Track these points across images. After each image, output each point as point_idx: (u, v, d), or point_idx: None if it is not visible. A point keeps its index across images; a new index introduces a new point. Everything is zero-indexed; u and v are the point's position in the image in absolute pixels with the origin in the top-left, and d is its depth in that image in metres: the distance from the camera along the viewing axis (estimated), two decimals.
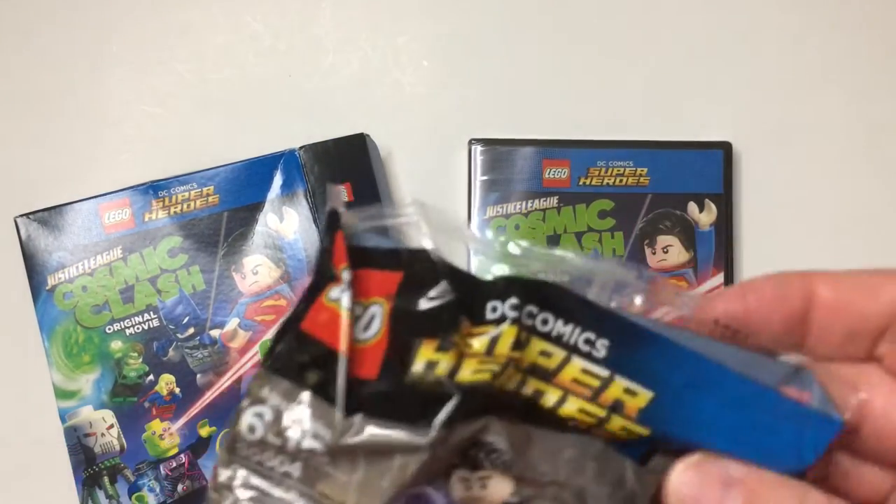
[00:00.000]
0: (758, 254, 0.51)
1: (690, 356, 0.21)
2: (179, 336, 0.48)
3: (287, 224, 0.49)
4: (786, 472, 0.21)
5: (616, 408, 0.21)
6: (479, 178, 0.50)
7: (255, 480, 0.20)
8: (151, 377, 0.48)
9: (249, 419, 0.20)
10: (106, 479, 0.47)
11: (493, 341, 0.21)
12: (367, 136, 0.50)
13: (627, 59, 0.53)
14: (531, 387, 0.21)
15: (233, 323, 0.48)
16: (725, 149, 0.51)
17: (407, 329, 0.21)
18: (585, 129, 0.52)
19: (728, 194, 0.50)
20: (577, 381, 0.21)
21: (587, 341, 0.21)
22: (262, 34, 0.54)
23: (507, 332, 0.21)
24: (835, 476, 0.24)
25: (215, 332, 0.48)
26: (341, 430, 0.20)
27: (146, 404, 0.48)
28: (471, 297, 0.21)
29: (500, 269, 0.22)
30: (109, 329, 0.48)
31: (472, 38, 0.54)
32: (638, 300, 0.22)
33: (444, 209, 0.22)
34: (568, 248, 0.22)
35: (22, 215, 0.48)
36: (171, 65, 0.54)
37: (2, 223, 0.50)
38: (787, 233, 0.52)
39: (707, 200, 0.50)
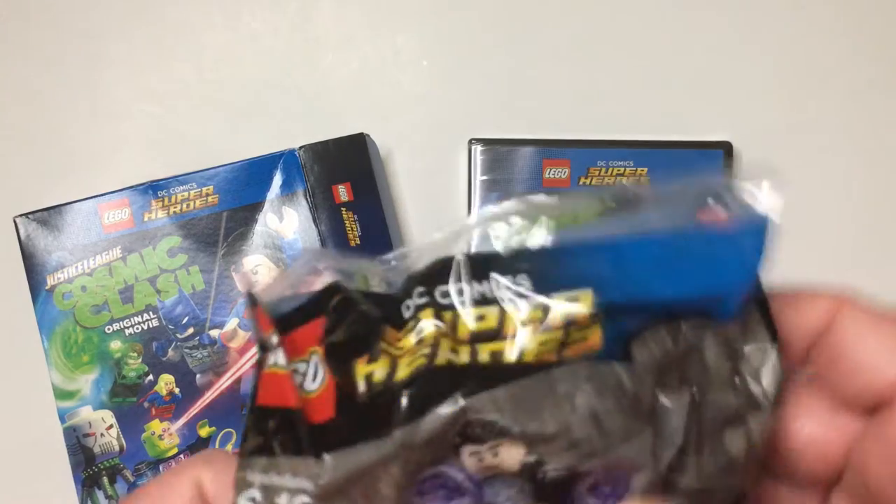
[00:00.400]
0: None
1: (601, 244, 0.21)
2: (179, 336, 0.48)
3: (287, 224, 0.49)
4: (742, 291, 0.21)
5: (570, 322, 0.21)
6: (479, 177, 0.50)
7: None
8: (151, 377, 0.48)
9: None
10: (105, 480, 0.47)
11: (418, 332, 0.21)
12: (367, 135, 0.50)
13: (628, 59, 0.53)
14: (486, 352, 0.21)
15: (232, 323, 0.48)
16: (726, 149, 0.51)
17: (341, 360, 0.21)
18: (585, 129, 0.52)
19: None
20: (523, 321, 0.21)
21: (508, 285, 0.21)
22: (262, 33, 0.54)
23: (425, 316, 0.21)
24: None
25: (215, 332, 0.48)
26: (318, 474, 0.20)
27: (145, 404, 0.48)
28: (388, 310, 0.21)
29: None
30: (109, 329, 0.48)
31: (472, 37, 0.54)
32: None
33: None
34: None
35: (21, 215, 0.48)
36: (170, 64, 0.54)
37: (1, 223, 0.50)
38: (788, 233, 0.52)
39: None
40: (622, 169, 0.50)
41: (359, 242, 0.48)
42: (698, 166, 0.50)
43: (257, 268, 0.48)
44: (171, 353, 0.48)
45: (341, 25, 0.54)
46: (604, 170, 0.50)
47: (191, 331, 0.48)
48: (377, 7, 0.54)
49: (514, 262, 0.21)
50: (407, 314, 0.21)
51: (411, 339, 0.21)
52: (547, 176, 0.50)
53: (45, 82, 0.54)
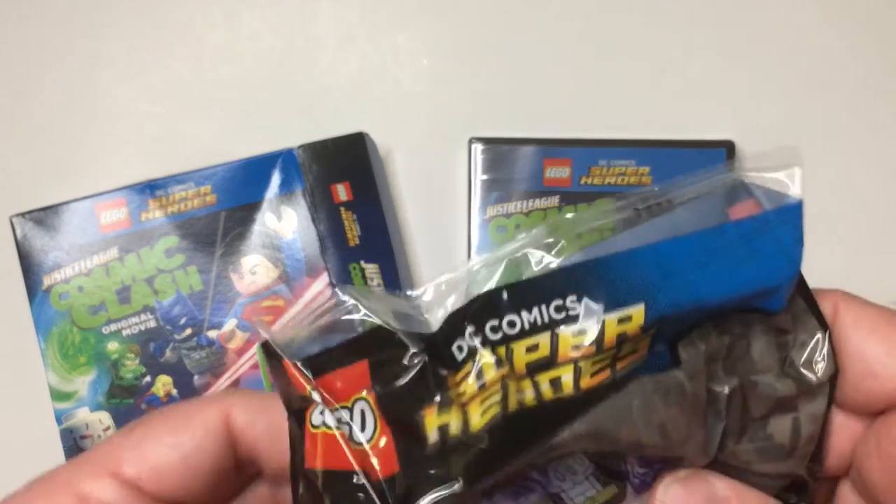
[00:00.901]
0: None
1: (643, 252, 0.20)
2: (176, 337, 0.48)
3: (285, 223, 0.48)
4: (789, 280, 0.21)
5: (622, 339, 0.20)
6: (479, 177, 0.50)
7: None
8: (148, 378, 0.47)
9: None
10: None
11: (479, 374, 0.20)
12: (367, 134, 0.49)
13: (629, 58, 0.53)
14: (545, 382, 0.20)
15: (231, 324, 0.48)
16: (728, 147, 0.50)
17: (402, 409, 0.20)
18: (587, 128, 0.51)
19: None
20: (576, 345, 0.20)
21: (557, 308, 0.20)
22: (261, 32, 0.54)
23: (484, 357, 0.20)
24: None
25: (213, 333, 0.48)
26: None
27: (143, 406, 0.47)
28: (436, 351, 0.20)
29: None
30: (106, 330, 0.48)
31: (472, 35, 0.53)
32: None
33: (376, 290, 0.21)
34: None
35: (17, 215, 0.48)
36: (168, 63, 0.54)
37: None
38: None
39: None
40: (624, 168, 0.50)
41: (358, 242, 0.48)
42: (700, 165, 0.50)
43: (255, 268, 0.48)
44: (168, 354, 0.48)
45: (341, 24, 0.53)
46: (605, 169, 0.50)
47: (188, 332, 0.48)
48: (377, 6, 0.53)
49: (557, 283, 0.20)
50: (460, 356, 0.20)
51: (472, 383, 0.20)
52: (548, 175, 0.50)
53: (42, 81, 0.54)
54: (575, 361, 0.20)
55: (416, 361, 0.20)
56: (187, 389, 0.47)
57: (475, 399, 0.20)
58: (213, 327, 0.48)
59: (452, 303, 0.21)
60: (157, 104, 0.53)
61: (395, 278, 0.48)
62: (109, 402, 0.47)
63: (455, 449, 0.20)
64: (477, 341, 0.20)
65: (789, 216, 0.21)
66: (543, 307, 0.20)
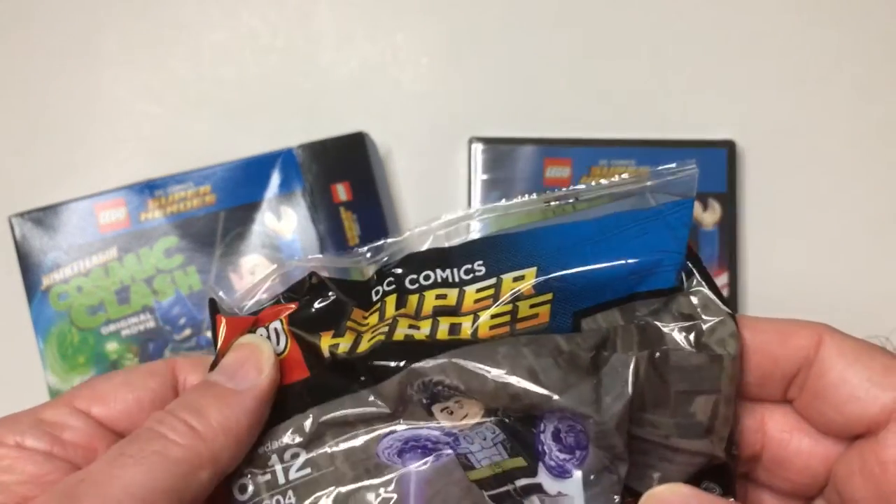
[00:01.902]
0: (762, 253, 0.51)
1: (543, 230, 0.25)
2: (176, 337, 0.48)
3: (285, 223, 0.48)
4: (677, 256, 0.24)
5: (517, 296, 0.24)
6: (479, 176, 0.50)
7: None
8: None
9: (238, 485, 0.24)
10: None
11: (381, 310, 0.25)
12: (366, 134, 0.49)
13: (630, 58, 0.53)
14: (446, 324, 0.24)
15: None
16: (729, 147, 0.50)
17: (305, 330, 0.25)
18: (587, 128, 0.51)
19: (732, 193, 0.50)
20: (478, 299, 0.25)
21: (467, 271, 0.25)
22: (260, 31, 0.53)
23: (389, 301, 0.25)
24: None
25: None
26: (303, 424, 0.24)
27: None
28: (359, 295, 0.26)
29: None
30: (105, 330, 0.47)
31: (472, 35, 0.53)
32: None
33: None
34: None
35: (16, 215, 0.48)
36: (167, 62, 0.53)
37: None
38: (791, 232, 0.51)
39: (711, 200, 0.50)
40: (624, 168, 0.50)
41: (358, 242, 0.48)
42: (701, 165, 0.50)
43: (255, 268, 0.48)
44: (167, 354, 0.47)
45: (340, 23, 0.53)
46: (606, 168, 0.50)
47: (188, 332, 0.48)
48: (377, 5, 0.53)
49: (471, 252, 0.25)
50: (375, 298, 0.25)
51: (373, 320, 0.25)
52: (548, 175, 0.50)
53: (41, 81, 0.54)
54: (475, 312, 0.24)
55: (329, 296, 0.25)
56: None
57: (370, 330, 0.25)
58: None
59: (385, 261, 0.26)
60: (157, 104, 0.53)
61: None
62: None
63: (342, 365, 0.24)
64: (390, 288, 0.25)
65: (681, 207, 0.24)
66: (455, 270, 0.25)
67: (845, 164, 0.51)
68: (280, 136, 0.50)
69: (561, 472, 0.23)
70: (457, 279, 0.25)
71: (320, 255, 0.27)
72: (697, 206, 0.50)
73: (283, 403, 0.24)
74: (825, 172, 0.52)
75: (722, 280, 0.49)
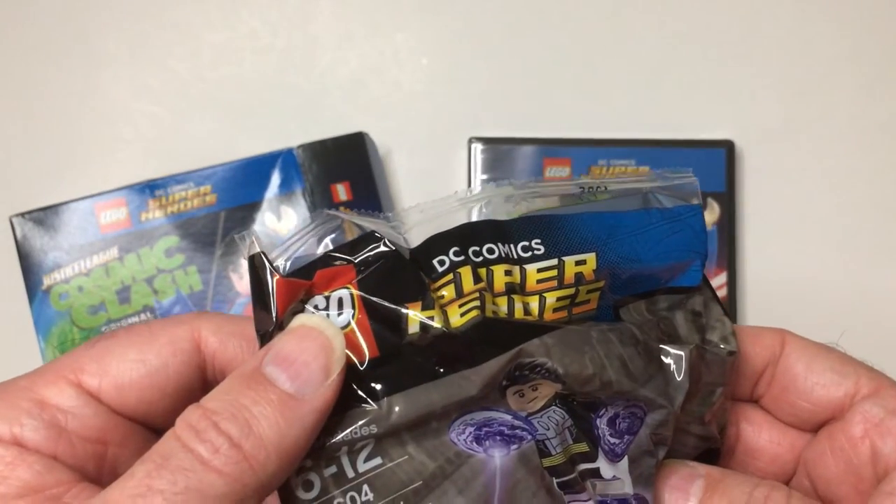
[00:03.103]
0: (761, 253, 0.51)
1: (590, 217, 0.25)
2: None
3: (285, 223, 0.48)
4: (701, 258, 0.25)
5: (579, 279, 0.24)
6: (479, 176, 0.50)
7: None
8: None
9: (301, 482, 0.21)
10: None
11: (458, 284, 0.23)
12: (366, 134, 0.49)
13: (629, 57, 0.53)
14: (520, 303, 0.23)
15: None
16: (728, 147, 0.50)
17: (383, 299, 0.22)
18: (586, 128, 0.51)
19: (731, 193, 0.50)
20: (540, 279, 0.24)
21: (524, 248, 0.24)
22: (260, 32, 0.54)
23: (464, 272, 0.23)
24: None
25: None
26: (383, 415, 0.21)
27: None
28: (416, 261, 0.23)
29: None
30: (105, 330, 0.47)
31: (472, 35, 0.53)
32: None
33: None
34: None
35: (17, 215, 0.48)
36: (167, 63, 0.53)
37: None
38: (790, 232, 0.51)
39: (709, 199, 0.50)
40: (624, 168, 0.50)
41: None
42: (700, 165, 0.50)
43: None
44: None
45: (340, 23, 0.53)
46: (605, 168, 0.50)
47: None
48: (377, 5, 0.53)
49: (526, 230, 0.24)
50: (441, 269, 0.23)
51: (451, 289, 0.23)
52: (548, 175, 0.50)
53: (41, 81, 0.54)
54: (540, 293, 0.24)
55: (402, 261, 0.23)
56: None
57: (453, 303, 0.23)
58: None
59: (423, 230, 0.24)
60: (157, 104, 0.53)
61: None
62: None
63: (438, 341, 0.22)
64: (459, 259, 0.23)
65: (695, 212, 0.25)
66: (512, 245, 0.24)
67: (844, 164, 0.52)
68: (280, 136, 0.50)
69: (615, 456, 0.24)
70: (515, 255, 0.24)
71: (360, 213, 0.24)
72: None
73: (345, 387, 0.21)
74: (824, 172, 0.52)
75: (720, 279, 0.49)
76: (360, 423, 0.21)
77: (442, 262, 0.23)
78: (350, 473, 0.21)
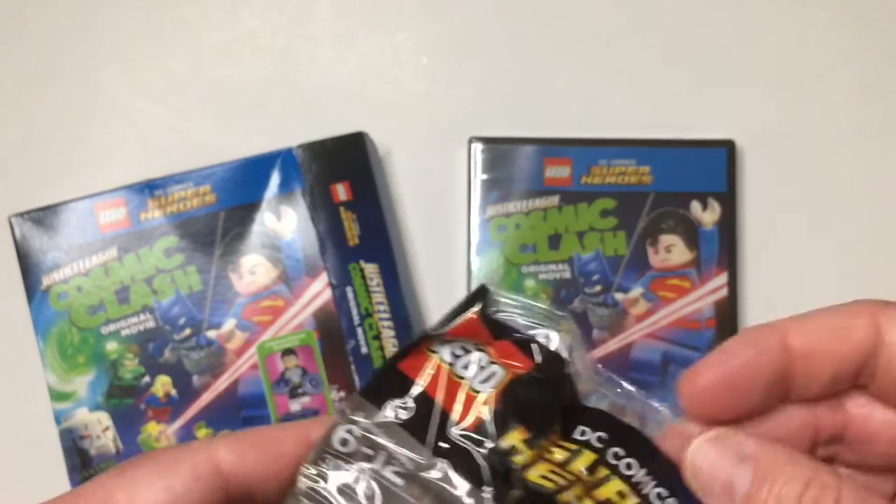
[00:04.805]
0: (762, 253, 0.51)
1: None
2: (175, 337, 0.48)
3: (285, 223, 0.48)
4: None
5: None
6: (479, 176, 0.50)
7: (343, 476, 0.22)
8: (147, 379, 0.47)
9: (342, 434, 0.22)
10: None
11: (571, 458, 0.22)
12: (366, 134, 0.49)
13: (630, 57, 0.53)
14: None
15: (230, 324, 0.48)
16: (729, 147, 0.50)
17: (513, 407, 0.22)
18: (587, 128, 0.51)
19: (732, 193, 0.50)
20: None
21: (659, 496, 0.22)
22: (259, 31, 0.53)
23: (586, 455, 0.22)
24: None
25: (212, 333, 0.48)
26: (424, 467, 0.22)
27: (142, 406, 0.47)
28: (567, 412, 0.23)
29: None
30: (105, 330, 0.47)
31: (472, 35, 0.53)
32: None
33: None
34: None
35: (16, 214, 0.48)
36: (166, 62, 0.53)
37: None
38: (791, 232, 0.51)
39: (710, 199, 0.50)
40: (624, 168, 0.50)
41: (358, 242, 0.48)
42: (701, 165, 0.50)
43: (255, 268, 0.48)
44: (167, 354, 0.47)
45: (340, 23, 0.53)
46: (606, 168, 0.50)
47: (188, 332, 0.48)
48: (377, 4, 0.53)
49: (675, 481, 0.22)
50: (577, 437, 0.23)
51: (564, 456, 0.22)
52: (548, 175, 0.50)
53: (40, 80, 0.53)
54: None
55: (553, 400, 0.23)
56: (186, 389, 0.47)
57: (550, 465, 0.22)
58: (213, 327, 0.48)
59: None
60: (156, 103, 0.53)
61: (395, 278, 0.47)
62: (108, 402, 0.47)
63: (499, 461, 0.22)
64: (597, 444, 0.22)
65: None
66: (654, 483, 0.22)
67: (845, 164, 0.51)
68: (280, 136, 0.50)
69: None
70: (645, 492, 0.22)
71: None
72: (697, 206, 0.50)
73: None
74: (825, 172, 0.52)
75: (721, 280, 0.49)
76: (405, 448, 0.22)
77: (582, 433, 0.23)
78: (375, 466, 0.22)
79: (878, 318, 0.23)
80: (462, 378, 0.23)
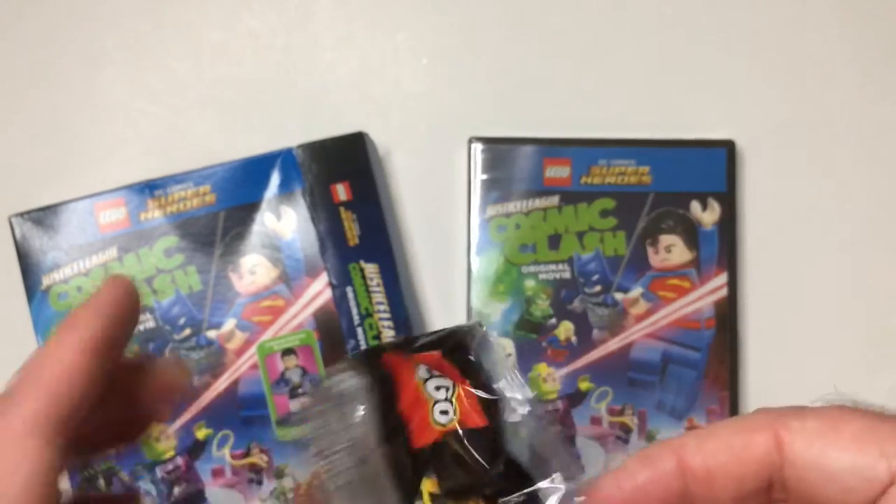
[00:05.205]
0: (762, 253, 0.51)
1: None
2: (175, 337, 0.48)
3: (285, 223, 0.48)
4: None
5: None
6: (479, 176, 0.50)
7: None
8: None
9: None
10: (101, 482, 0.47)
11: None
12: (366, 134, 0.49)
13: (629, 57, 0.53)
14: None
15: (230, 324, 0.48)
16: (729, 147, 0.50)
17: (440, 456, 0.23)
18: (587, 128, 0.51)
19: (731, 193, 0.50)
20: None
21: None
22: (260, 31, 0.53)
23: None
24: None
25: (212, 333, 0.48)
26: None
27: None
28: (508, 485, 0.23)
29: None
30: None
31: (472, 35, 0.53)
32: None
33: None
34: None
35: (16, 214, 0.48)
36: (166, 62, 0.53)
37: None
38: (791, 231, 0.51)
39: (710, 199, 0.50)
40: (624, 168, 0.50)
41: (358, 242, 0.48)
42: (701, 165, 0.50)
43: (255, 268, 0.48)
44: (167, 354, 0.47)
45: (340, 23, 0.53)
46: (605, 168, 0.50)
47: (187, 332, 0.48)
48: (377, 4, 0.53)
49: None
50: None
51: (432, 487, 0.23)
52: (548, 175, 0.50)
53: (41, 80, 0.53)
54: None
55: (475, 472, 0.23)
56: (186, 389, 0.47)
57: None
58: (213, 327, 0.48)
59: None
60: (156, 103, 0.53)
61: (395, 278, 0.47)
62: None
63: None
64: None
65: None
66: None
67: (845, 164, 0.51)
68: (280, 136, 0.50)
69: None
70: None
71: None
72: (697, 206, 0.50)
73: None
74: (825, 172, 0.52)
75: (721, 280, 0.49)
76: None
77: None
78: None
79: (779, 431, 0.22)
80: (429, 397, 0.24)
